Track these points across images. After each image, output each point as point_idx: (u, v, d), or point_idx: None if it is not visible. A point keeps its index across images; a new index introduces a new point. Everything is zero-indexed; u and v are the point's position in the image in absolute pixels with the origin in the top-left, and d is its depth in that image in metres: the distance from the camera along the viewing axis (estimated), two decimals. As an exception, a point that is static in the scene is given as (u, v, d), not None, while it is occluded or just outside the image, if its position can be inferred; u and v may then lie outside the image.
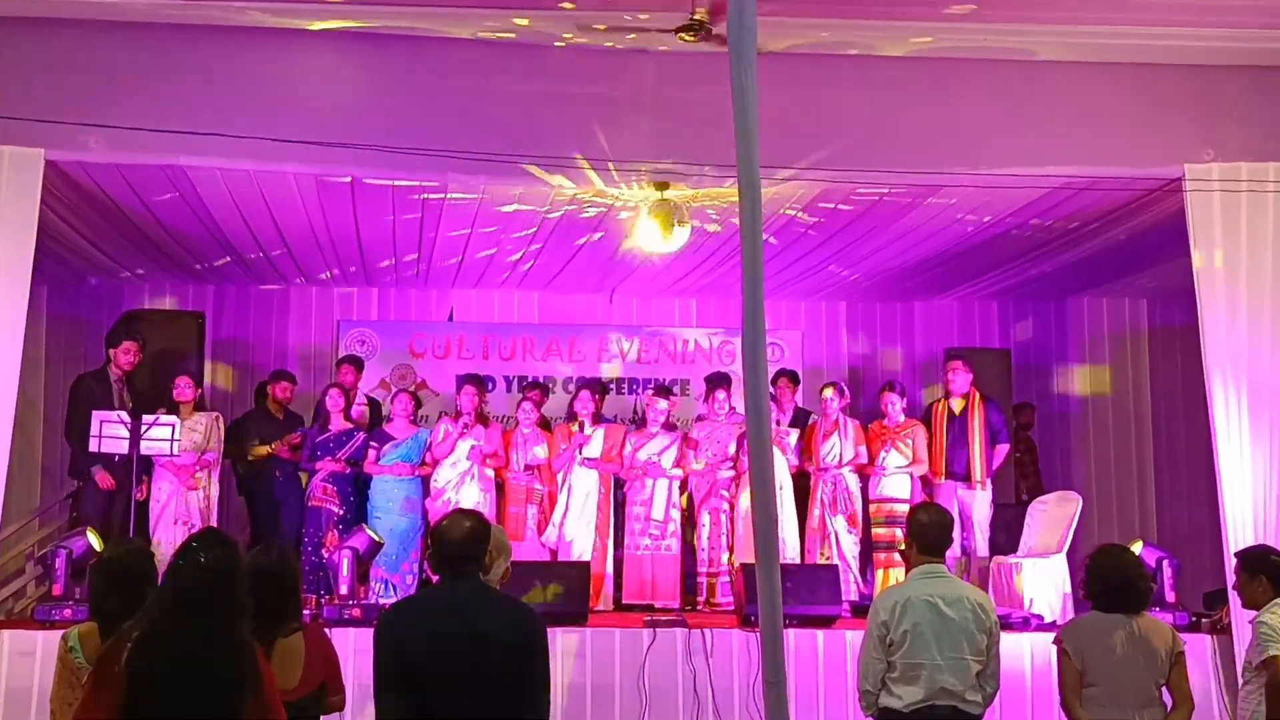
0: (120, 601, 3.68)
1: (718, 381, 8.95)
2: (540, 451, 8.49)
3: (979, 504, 8.53)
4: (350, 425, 8.60)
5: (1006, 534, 8.72)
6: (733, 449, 8.43)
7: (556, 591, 7.00)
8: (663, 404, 8.63)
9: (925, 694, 4.28)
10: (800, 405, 9.44)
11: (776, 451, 8.09)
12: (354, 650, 6.30)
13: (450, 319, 10.69)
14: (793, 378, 9.37)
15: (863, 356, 11.00)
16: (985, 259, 9.07)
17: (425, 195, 7.42)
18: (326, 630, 4.61)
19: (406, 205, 7.70)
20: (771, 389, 8.91)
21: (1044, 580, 7.79)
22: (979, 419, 8.58)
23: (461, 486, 8.26)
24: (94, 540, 7.00)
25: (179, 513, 7.93)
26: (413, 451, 8.41)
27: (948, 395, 8.78)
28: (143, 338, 8.60)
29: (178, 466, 7.97)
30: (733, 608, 7.97)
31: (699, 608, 8.24)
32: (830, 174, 6.76)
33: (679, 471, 8.47)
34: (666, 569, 8.34)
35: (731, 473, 8.40)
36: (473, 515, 3.67)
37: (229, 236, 8.50)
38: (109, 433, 7.49)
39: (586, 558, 8.09)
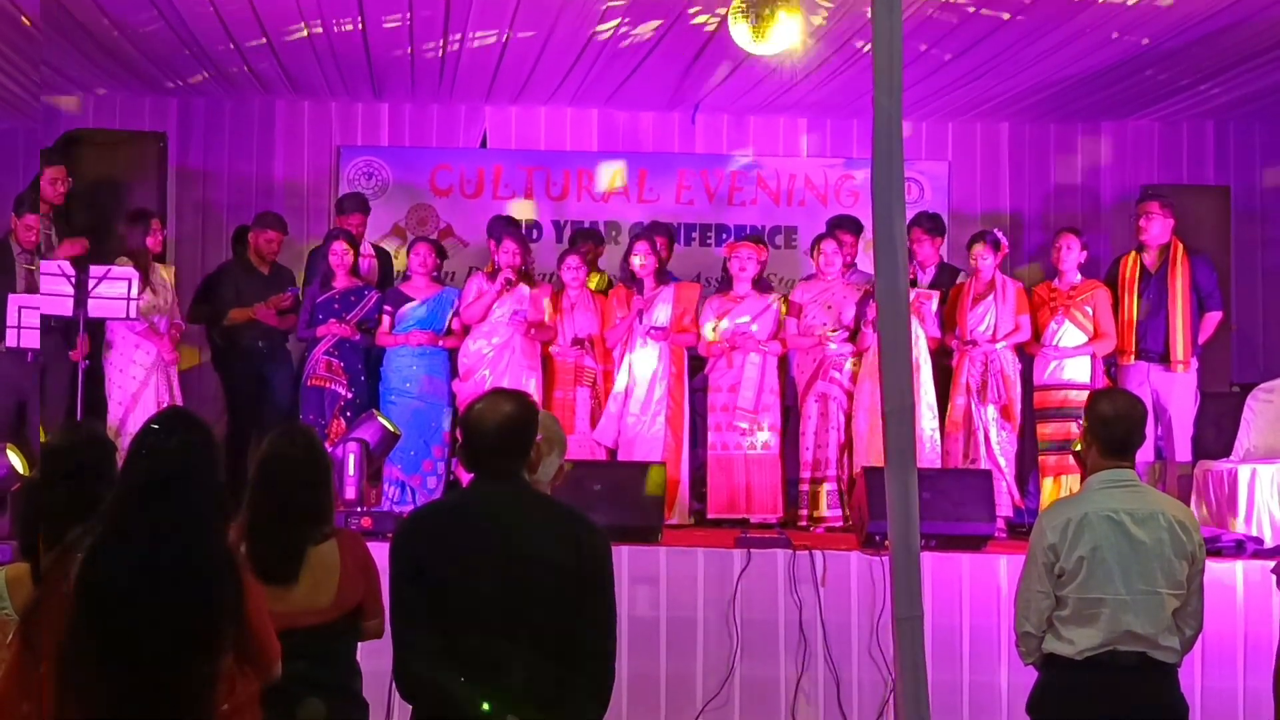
0: (68, 503, 3.77)
1: (841, 227, 8.91)
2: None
3: (1180, 391, 8.48)
4: (360, 282, 8.71)
5: (1216, 431, 8.67)
6: (851, 316, 8.42)
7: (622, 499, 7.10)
8: (744, 253, 8.62)
9: (1105, 637, 4.30)
10: (945, 260, 9.37)
11: (912, 321, 8.07)
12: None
13: (483, 145, 10.66)
14: (934, 224, 9.27)
15: (1029, 197, 10.85)
16: (1201, 61, 8.81)
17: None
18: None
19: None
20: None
21: (1268, 491, 7.75)
22: (1182, 279, 8.46)
23: (499, 363, 8.36)
24: (15, 460, 7.01)
25: (160, 394, 8.11)
26: (435, 316, 8.52)
27: (1140, 248, 8.65)
28: (77, 163, 8.62)
29: (151, 331, 8.13)
30: (842, 523, 8.08)
31: (802, 523, 8.34)
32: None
33: (777, 345, 8.51)
34: (764, 473, 8.44)
35: (848, 347, 8.40)
36: (515, 397, 3.69)
37: (193, 31, 8.52)
38: (49, 288, 7.63)
39: (655, 458, 8.19)
